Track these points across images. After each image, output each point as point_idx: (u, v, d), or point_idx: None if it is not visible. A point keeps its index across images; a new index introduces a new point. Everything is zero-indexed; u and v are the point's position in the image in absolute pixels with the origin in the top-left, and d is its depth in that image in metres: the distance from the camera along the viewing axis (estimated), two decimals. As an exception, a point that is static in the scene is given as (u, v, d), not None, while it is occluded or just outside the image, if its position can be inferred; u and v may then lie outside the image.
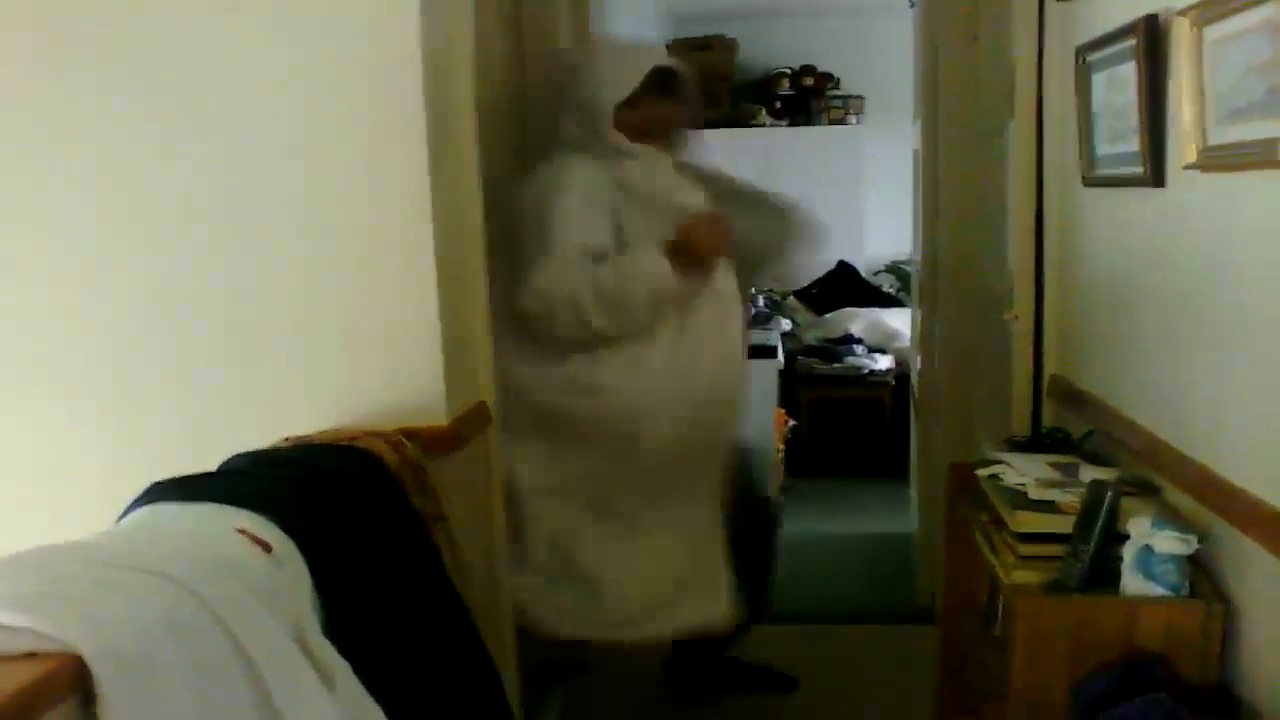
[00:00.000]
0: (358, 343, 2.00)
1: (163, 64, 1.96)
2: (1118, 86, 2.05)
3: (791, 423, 5.53)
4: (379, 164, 1.95)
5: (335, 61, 1.94)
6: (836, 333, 5.93)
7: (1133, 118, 1.97)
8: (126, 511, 1.46)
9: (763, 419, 5.14)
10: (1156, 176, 1.91)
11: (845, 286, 6.34)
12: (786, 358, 5.57)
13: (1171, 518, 1.81)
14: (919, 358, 3.92)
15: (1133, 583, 1.77)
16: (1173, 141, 1.86)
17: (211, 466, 1.63)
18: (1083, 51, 2.23)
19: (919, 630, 3.57)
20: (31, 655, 1.00)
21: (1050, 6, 2.52)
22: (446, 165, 2.05)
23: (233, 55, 1.95)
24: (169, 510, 1.45)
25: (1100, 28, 2.15)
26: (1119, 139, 2.07)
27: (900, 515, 4.76)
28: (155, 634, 1.09)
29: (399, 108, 1.93)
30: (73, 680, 1.00)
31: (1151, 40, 1.89)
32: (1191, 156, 1.75)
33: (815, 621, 3.77)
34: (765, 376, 5.17)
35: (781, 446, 5.33)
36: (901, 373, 5.45)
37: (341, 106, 1.95)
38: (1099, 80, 2.15)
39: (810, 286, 6.37)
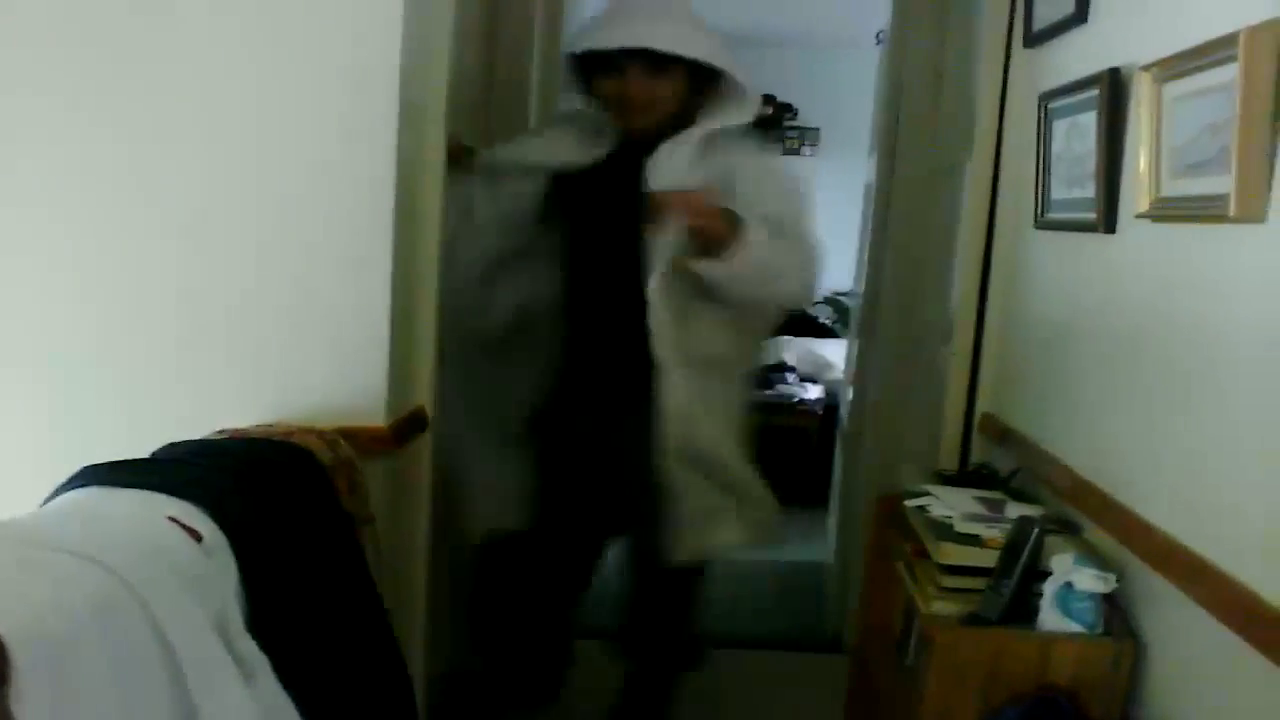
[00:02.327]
0: (303, 339, 1.97)
1: (129, 53, 1.92)
2: (1078, 134, 2.09)
3: (718, 445, 5.54)
4: (342, 164, 1.93)
5: (308, 63, 1.91)
6: (770, 360, 5.97)
7: (1090, 165, 2.01)
8: (55, 494, 1.43)
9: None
10: (1108, 223, 1.96)
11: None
12: (719, 380, 5.58)
13: (1093, 556, 1.84)
14: (850, 388, 3.95)
15: (1050, 618, 1.79)
16: (1126, 190, 1.91)
17: (145, 454, 1.60)
18: (1046, 98, 2.28)
19: (826, 660, 3.59)
20: None
21: (1016, 52, 2.57)
22: (411, 169, 2.03)
23: (202, 53, 1.91)
24: (99, 494, 1.42)
25: (1065, 77, 2.20)
26: (1075, 184, 2.11)
27: (816, 544, 4.79)
28: (78, 617, 1.06)
29: (368, 110, 1.91)
30: None
31: (1114, 92, 1.94)
32: (1144, 206, 1.79)
33: (724, 646, 3.75)
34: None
35: (706, 468, 5.34)
36: (830, 403, 5.50)
37: (307, 103, 1.91)
38: (1060, 127, 2.20)
39: (748, 312, 6.40)
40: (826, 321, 6.48)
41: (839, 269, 6.06)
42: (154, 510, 1.37)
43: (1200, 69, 1.62)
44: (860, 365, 3.75)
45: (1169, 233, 1.74)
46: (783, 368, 5.86)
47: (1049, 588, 1.81)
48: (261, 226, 1.95)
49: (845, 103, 6.40)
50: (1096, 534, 1.94)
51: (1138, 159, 1.80)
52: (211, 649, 1.25)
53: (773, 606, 4.22)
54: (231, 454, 1.68)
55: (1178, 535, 1.61)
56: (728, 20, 6.10)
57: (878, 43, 4.15)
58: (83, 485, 1.43)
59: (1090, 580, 1.75)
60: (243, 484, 1.54)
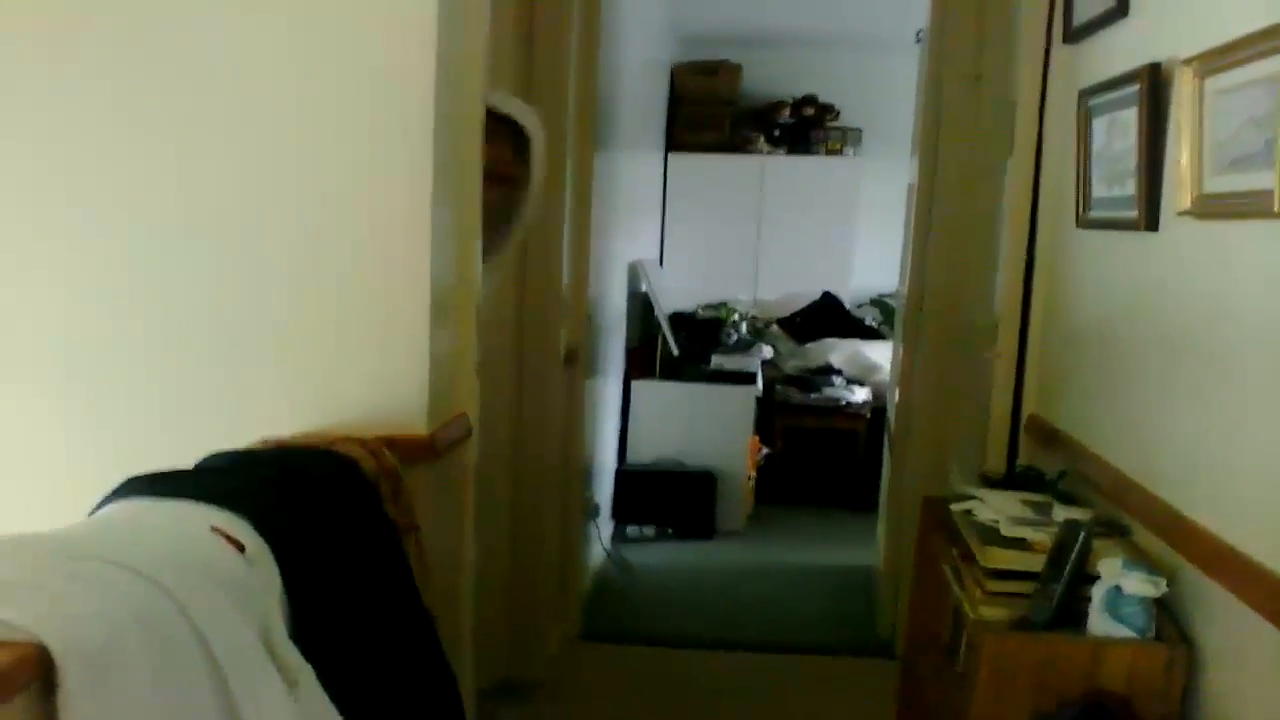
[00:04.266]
0: (344, 348, 1.98)
1: (163, 59, 1.94)
2: (1118, 131, 2.06)
3: (765, 450, 5.53)
4: (381, 172, 1.93)
5: (345, 65, 1.91)
6: (816, 363, 5.94)
7: (1131, 162, 1.99)
8: (101, 505, 1.44)
9: (736, 445, 5.15)
10: (1150, 221, 1.93)
11: (828, 317, 6.35)
12: (765, 385, 5.57)
13: (1141, 560, 1.81)
14: (897, 391, 3.92)
15: (1100, 623, 1.77)
16: (1168, 188, 1.88)
17: (188, 464, 1.61)
18: (1085, 95, 2.25)
19: (877, 664, 3.57)
20: None
21: (1056, 49, 2.54)
22: (449, 177, 2.04)
23: (240, 54, 1.93)
24: (143, 505, 1.43)
25: (1104, 73, 2.17)
26: (1115, 183, 2.08)
27: (866, 548, 4.76)
28: (122, 628, 1.07)
29: (407, 118, 1.91)
30: (35, 670, 0.98)
31: (1154, 88, 1.91)
32: (1186, 203, 1.76)
33: (775, 651, 3.76)
34: (742, 403, 5.18)
35: (753, 473, 5.33)
36: (878, 406, 5.46)
37: (348, 112, 1.92)
38: (1100, 124, 2.17)
39: (793, 316, 6.38)
40: (873, 323, 6.43)
41: (884, 270, 6.05)
42: (197, 521, 1.38)
43: (1242, 62, 1.59)
44: (906, 368, 3.73)
45: (1212, 230, 1.71)
46: (829, 370, 5.83)
47: (1098, 592, 1.78)
48: (301, 238, 1.96)
49: (887, 103, 6.34)
50: (1145, 537, 1.91)
51: (1179, 155, 1.77)
52: (255, 658, 1.26)
53: (823, 611, 4.20)
54: (274, 464, 1.69)
55: (1230, 538, 1.58)
56: (768, 21, 6.12)
57: (917, 41, 4.13)
58: (126, 496, 1.45)
59: (1140, 584, 1.72)
60: (285, 494, 1.56)
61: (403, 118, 1.92)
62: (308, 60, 1.92)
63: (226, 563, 1.34)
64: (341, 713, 1.41)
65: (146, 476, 1.49)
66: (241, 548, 1.38)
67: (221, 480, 1.56)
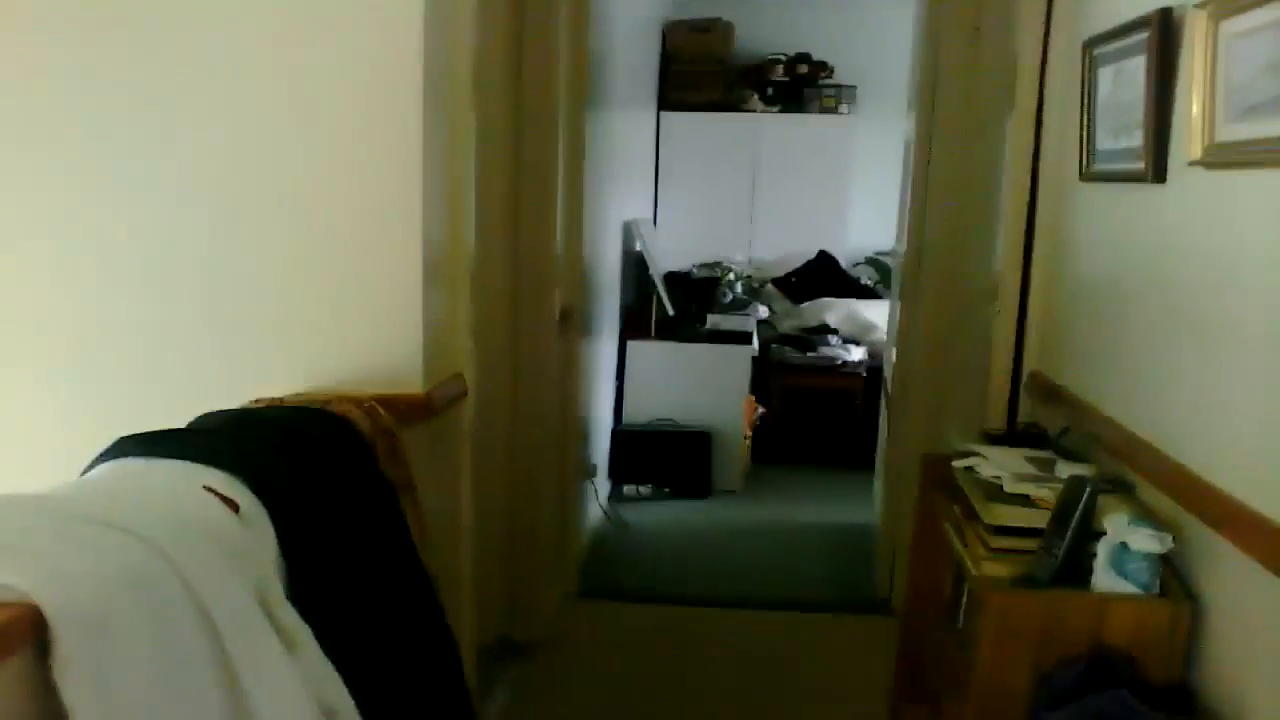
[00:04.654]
0: (340, 310, 1.98)
1: (158, 32, 1.93)
2: (1125, 81, 2.03)
3: (761, 410, 5.52)
4: (372, 136, 1.93)
5: (336, 28, 1.91)
6: (812, 322, 5.91)
7: (1138, 112, 1.95)
8: (93, 465, 1.43)
9: (732, 405, 5.14)
10: (1158, 172, 1.90)
11: (824, 277, 6.32)
12: (761, 345, 5.55)
13: (1146, 516, 1.80)
14: (895, 349, 3.90)
15: (1105, 579, 1.76)
16: (1177, 138, 1.84)
17: (182, 424, 1.59)
18: (1090, 45, 2.21)
19: (876, 621, 3.58)
20: None
21: (1058, 1, 2.50)
22: (439, 139, 2.01)
23: (234, 21, 1.92)
24: (137, 465, 1.42)
25: (1111, 21, 2.13)
26: (1122, 134, 2.05)
27: (864, 506, 4.76)
28: (117, 590, 1.06)
29: (397, 81, 1.91)
30: (29, 632, 0.97)
31: (1165, 33, 1.87)
32: (1196, 153, 1.73)
33: (772, 608, 3.76)
34: (738, 363, 5.16)
35: (749, 433, 5.32)
36: (874, 365, 5.44)
37: (338, 77, 1.92)
38: (1105, 74, 2.13)
39: (789, 275, 6.34)
40: (868, 282, 6.40)
41: (879, 229, 6.00)
42: (191, 480, 1.37)
43: (1261, 3, 1.54)
44: (904, 326, 3.70)
45: (1224, 180, 1.68)
46: (825, 330, 5.80)
47: (1103, 548, 1.77)
48: (293, 197, 1.96)
49: (882, 59, 6.28)
50: (1150, 493, 1.90)
51: (1190, 104, 1.74)
52: (251, 619, 1.25)
53: (820, 569, 4.21)
54: (268, 423, 1.67)
55: (1238, 493, 1.56)
56: (761, -22, 6.03)
57: (915, -5, 4.06)
58: (119, 456, 1.43)
59: (1145, 540, 1.70)
60: (280, 453, 1.54)
61: (392, 81, 1.91)
62: (300, 25, 1.91)
63: (221, 522, 1.32)
64: (341, 672, 1.40)
65: (138, 436, 1.48)
66: (236, 507, 1.37)
67: (215, 440, 1.54)
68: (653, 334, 5.18)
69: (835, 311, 5.96)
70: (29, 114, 1.98)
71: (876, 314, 5.72)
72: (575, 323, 3.56)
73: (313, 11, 1.90)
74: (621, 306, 5.07)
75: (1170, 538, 1.71)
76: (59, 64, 1.96)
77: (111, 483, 1.39)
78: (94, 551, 1.10)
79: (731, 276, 5.83)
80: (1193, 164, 1.74)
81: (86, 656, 1.00)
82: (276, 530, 1.42)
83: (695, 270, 5.92)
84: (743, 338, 5.26)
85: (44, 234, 2.02)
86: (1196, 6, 1.71)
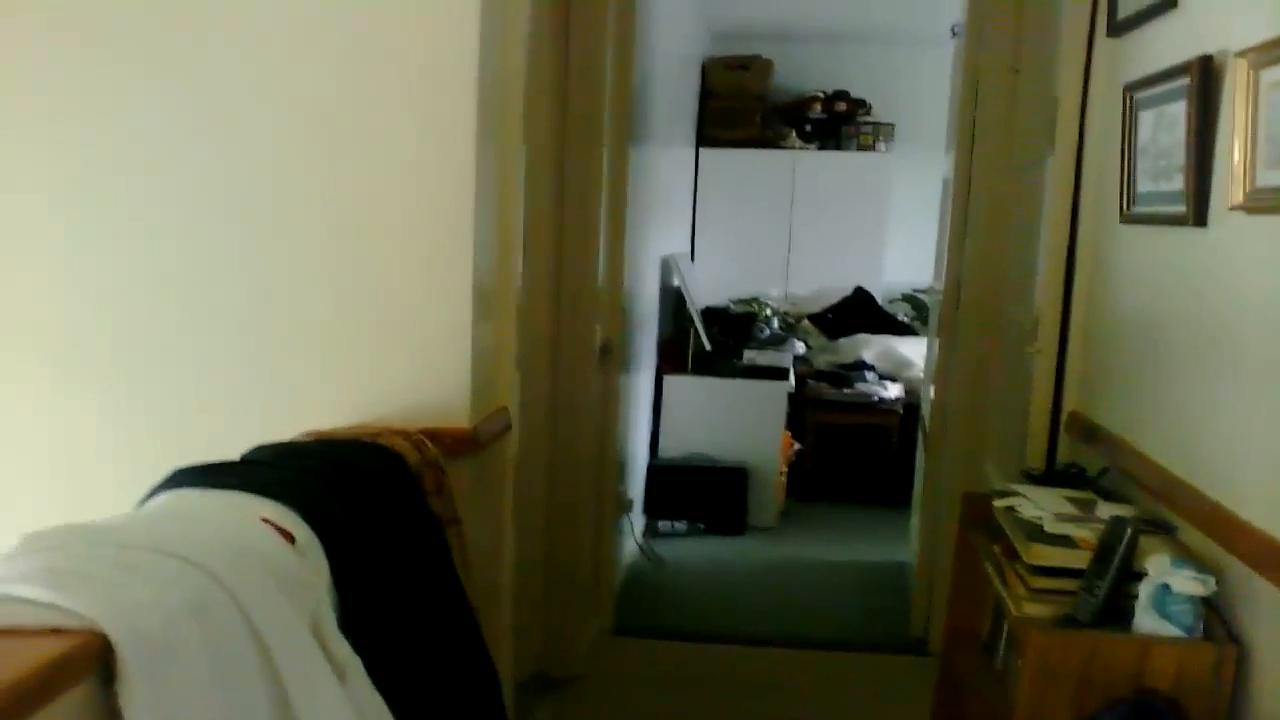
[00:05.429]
0: (388, 342, 2.00)
1: (210, 58, 1.97)
2: (1165, 125, 2.04)
3: (797, 446, 5.52)
4: (425, 169, 1.95)
5: (390, 62, 1.93)
6: (849, 358, 5.92)
7: (1179, 156, 1.96)
8: (150, 495, 1.45)
9: (768, 441, 5.14)
10: (1199, 216, 1.91)
11: (860, 313, 6.33)
12: (797, 381, 5.56)
13: (1189, 558, 1.80)
14: (932, 387, 3.90)
15: (1147, 621, 1.75)
16: (1219, 182, 1.85)
17: (233, 456, 1.62)
18: (1131, 89, 2.23)
19: (912, 660, 3.56)
20: (56, 631, 0.99)
21: (1099, 43, 2.52)
22: (492, 173, 2.04)
23: (286, 50, 1.95)
24: (194, 496, 1.44)
25: (1151, 66, 2.14)
26: (1162, 177, 2.06)
27: (899, 544, 4.74)
28: (177, 617, 1.08)
29: (451, 114, 1.93)
30: (95, 658, 0.99)
31: (1205, 80, 1.89)
32: (1238, 198, 1.74)
33: (807, 647, 3.75)
34: (774, 399, 5.17)
35: (785, 469, 5.32)
36: (911, 402, 5.43)
37: (392, 109, 1.95)
38: (1146, 118, 2.15)
39: (825, 311, 6.36)
40: (905, 319, 6.40)
41: (916, 265, 6.01)
42: (247, 512, 1.39)
43: (1298, 54, 1.57)
44: (942, 363, 3.71)
45: (1265, 224, 1.69)
46: (861, 366, 5.80)
47: (1144, 589, 1.77)
48: (346, 234, 1.99)
49: (920, 97, 6.31)
50: (1192, 535, 1.89)
51: (1231, 149, 1.75)
52: (306, 649, 1.27)
53: (856, 607, 4.19)
54: (320, 456, 1.70)
55: (1279, 535, 1.56)
56: (799, 16, 6.09)
57: (953, 35, 4.10)
58: (176, 487, 1.46)
59: (1188, 582, 1.70)
60: (333, 485, 1.57)
61: (446, 114, 1.93)
62: (353, 58, 1.94)
63: (277, 553, 1.35)
64: (388, 703, 1.42)
65: (195, 468, 1.50)
66: (292, 539, 1.39)
67: (270, 472, 1.57)
68: (689, 369, 5.21)
69: (871, 348, 5.97)
70: (84, 137, 2.01)
71: (913, 351, 5.72)
72: (615, 357, 3.59)
73: (368, 43, 1.93)
74: (658, 341, 5.10)
75: (1213, 580, 1.71)
76: (105, 85, 1.99)
77: (170, 513, 1.42)
78: (156, 580, 1.13)
79: (768, 312, 5.85)
80: (1234, 208, 1.75)
81: (150, 682, 1.02)
82: (330, 562, 1.44)
83: (732, 305, 5.95)
84: (779, 373, 5.27)
85: (93, 263, 2.05)
86: (1237, 55, 1.73)
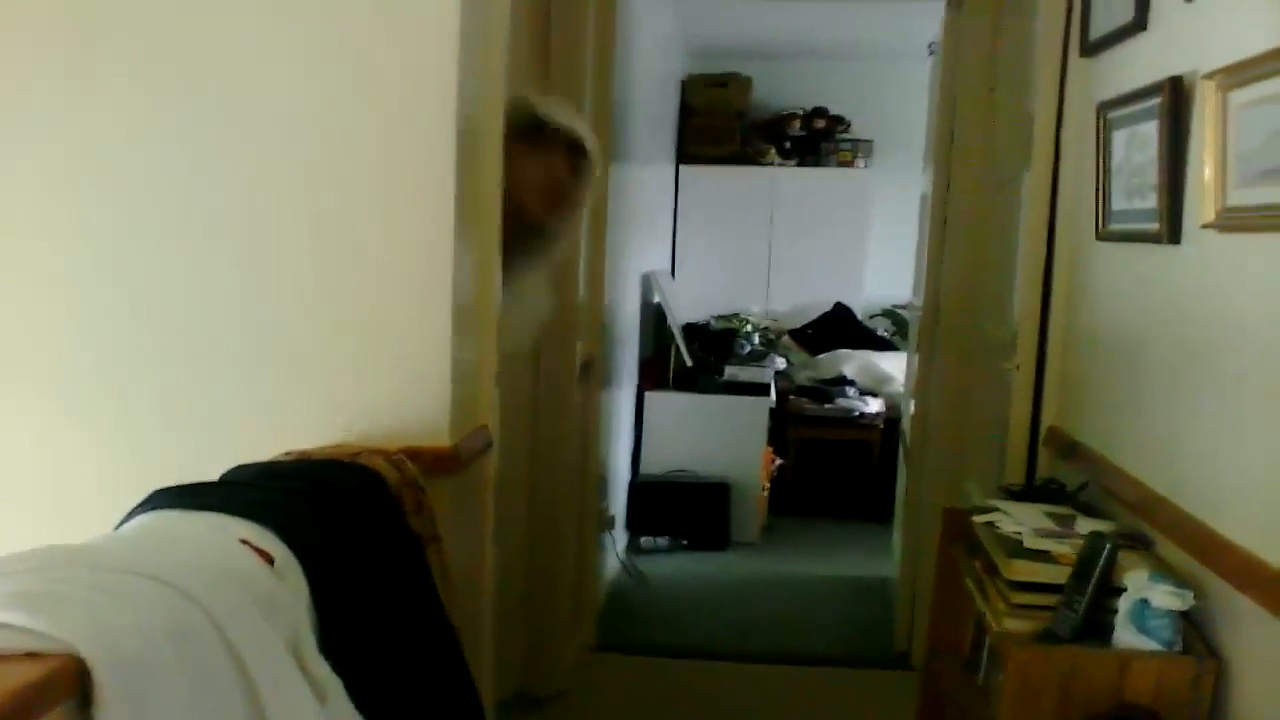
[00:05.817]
0: (368, 360, 1.99)
1: (187, 74, 1.96)
2: (1138, 144, 2.07)
3: (778, 461, 5.53)
4: (404, 186, 1.94)
5: (368, 79, 1.92)
6: (829, 374, 5.95)
7: (1152, 175, 1.99)
8: (128, 517, 1.44)
9: (750, 456, 5.15)
10: (1173, 234, 1.93)
11: (841, 328, 6.36)
12: (778, 396, 5.58)
13: (1167, 572, 1.81)
14: (912, 402, 3.92)
15: (1125, 636, 1.77)
16: (1191, 200, 1.88)
17: (211, 476, 1.61)
18: (1105, 108, 2.25)
19: (894, 675, 3.57)
20: (32, 655, 0.98)
21: (1073, 62, 2.55)
22: (471, 191, 2.04)
23: (264, 68, 1.94)
24: (172, 517, 1.43)
25: (1124, 86, 2.17)
26: (1136, 195, 2.08)
27: (881, 559, 4.76)
28: (155, 639, 1.07)
29: (430, 131, 1.92)
30: (73, 681, 0.98)
31: (1175, 101, 1.91)
32: (1210, 216, 1.76)
33: (790, 662, 3.75)
34: (755, 414, 5.18)
35: (766, 485, 5.33)
36: (892, 416, 5.46)
37: (371, 126, 1.94)
38: (1119, 137, 2.17)
39: (806, 327, 6.39)
40: (885, 334, 6.44)
41: (896, 281, 6.05)
42: (226, 533, 1.38)
43: (1266, 76, 1.59)
44: (922, 379, 3.73)
45: (1236, 242, 1.72)
46: (842, 381, 5.83)
47: (1123, 604, 1.78)
48: (324, 250, 1.97)
49: (898, 114, 6.37)
50: (1170, 550, 1.91)
51: (1202, 168, 1.78)
52: (286, 671, 1.26)
53: (838, 622, 4.20)
54: (300, 476, 1.69)
55: (1256, 549, 1.58)
56: (778, 33, 6.14)
57: (930, 54, 4.14)
58: (154, 508, 1.45)
59: (1167, 597, 1.72)
60: (312, 506, 1.56)
61: (426, 131, 1.93)
62: (331, 75, 1.94)
63: (256, 575, 1.34)
64: (368, 725, 1.42)
65: (173, 489, 1.49)
66: (271, 560, 1.38)
67: (248, 493, 1.56)
68: (670, 385, 5.22)
69: (852, 363, 6.00)
70: (58, 156, 2.00)
71: (893, 366, 5.76)
72: (596, 373, 3.60)
73: (346, 55, 1.92)
74: (640, 357, 5.12)
75: (1191, 594, 1.72)
76: (82, 101, 1.98)
77: (148, 534, 1.41)
78: (133, 602, 1.12)
79: (749, 328, 5.87)
80: (1206, 226, 1.78)
81: (128, 705, 1.01)
82: (309, 583, 1.44)
83: (713, 321, 5.97)
84: (760, 389, 5.29)
85: (69, 281, 2.03)
86: (1205, 77, 1.75)
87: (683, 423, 5.15)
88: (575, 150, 2.30)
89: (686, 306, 5.81)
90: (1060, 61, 2.61)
